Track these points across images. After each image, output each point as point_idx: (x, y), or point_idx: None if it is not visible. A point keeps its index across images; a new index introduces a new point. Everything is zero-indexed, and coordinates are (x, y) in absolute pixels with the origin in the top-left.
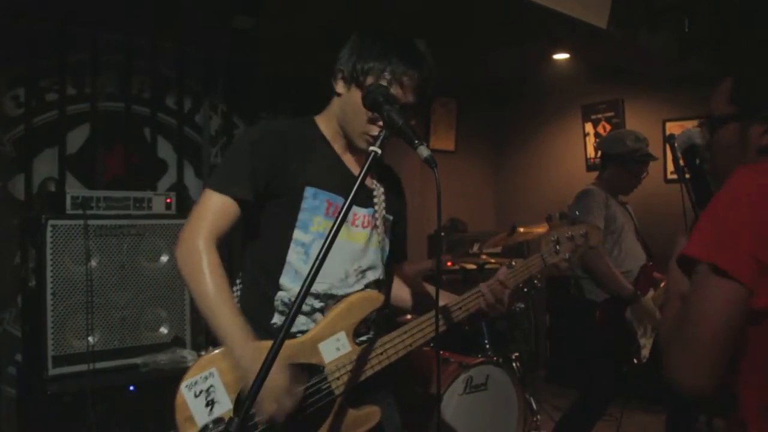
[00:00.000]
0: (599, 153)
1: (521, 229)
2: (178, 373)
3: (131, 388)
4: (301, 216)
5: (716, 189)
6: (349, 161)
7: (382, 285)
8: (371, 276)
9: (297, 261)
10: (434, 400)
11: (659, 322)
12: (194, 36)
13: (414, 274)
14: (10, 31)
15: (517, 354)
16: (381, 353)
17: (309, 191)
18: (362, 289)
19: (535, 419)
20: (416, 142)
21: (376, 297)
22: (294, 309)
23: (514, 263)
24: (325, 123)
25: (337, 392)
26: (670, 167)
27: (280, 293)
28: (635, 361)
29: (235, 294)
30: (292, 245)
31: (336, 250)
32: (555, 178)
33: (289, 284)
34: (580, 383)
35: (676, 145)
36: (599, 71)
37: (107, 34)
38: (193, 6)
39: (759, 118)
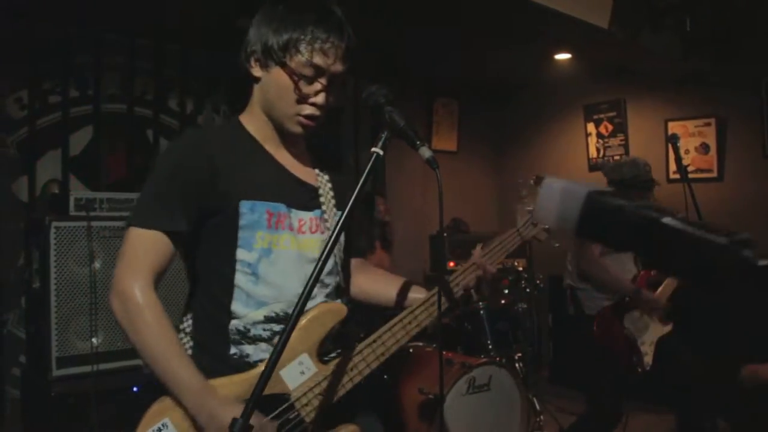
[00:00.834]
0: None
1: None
2: None
3: (135, 389)
4: (242, 234)
5: None
6: (285, 159)
7: (343, 292)
8: (331, 283)
9: (246, 283)
10: (437, 401)
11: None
12: (196, 37)
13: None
14: (13, 33)
15: (520, 354)
16: (351, 369)
17: (245, 206)
18: (322, 302)
19: (538, 420)
20: (418, 143)
21: (338, 308)
22: (279, 345)
23: (517, 264)
24: (251, 120)
25: (308, 419)
26: (673, 167)
27: (233, 321)
28: (639, 370)
29: (186, 323)
30: (237, 266)
31: (286, 263)
32: (557, 177)
33: (242, 310)
34: (586, 398)
35: (678, 145)
36: (601, 71)
37: (110, 35)
38: (194, 7)
39: None
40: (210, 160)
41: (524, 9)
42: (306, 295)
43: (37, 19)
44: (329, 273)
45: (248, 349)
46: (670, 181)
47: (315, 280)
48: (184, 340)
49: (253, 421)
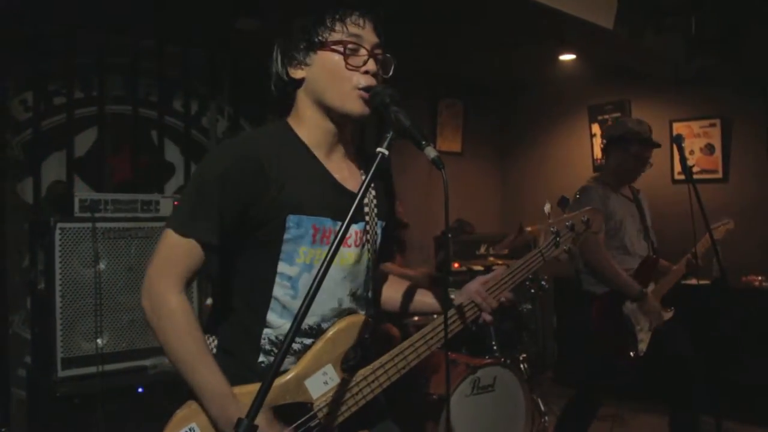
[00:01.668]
0: (603, 145)
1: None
2: None
3: (140, 389)
4: (285, 248)
5: None
6: (335, 166)
7: (371, 302)
8: (362, 295)
9: (284, 296)
10: (442, 402)
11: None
12: (200, 38)
13: (401, 274)
14: (18, 35)
15: (524, 355)
16: (373, 381)
17: (291, 220)
18: (350, 314)
19: (542, 420)
20: (423, 143)
21: (365, 321)
22: (275, 365)
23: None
24: (300, 124)
25: (329, 428)
26: (678, 168)
27: (266, 331)
28: (632, 354)
29: (215, 327)
30: (277, 279)
31: (329, 279)
32: (562, 178)
33: (277, 320)
34: (577, 376)
35: (682, 146)
36: (606, 72)
37: (113, 37)
38: (197, 8)
39: None
40: (261, 172)
41: (529, 10)
42: (310, 300)
43: (41, 21)
44: (361, 282)
45: None
46: (675, 182)
47: (318, 285)
48: (210, 343)
49: (260, 418)
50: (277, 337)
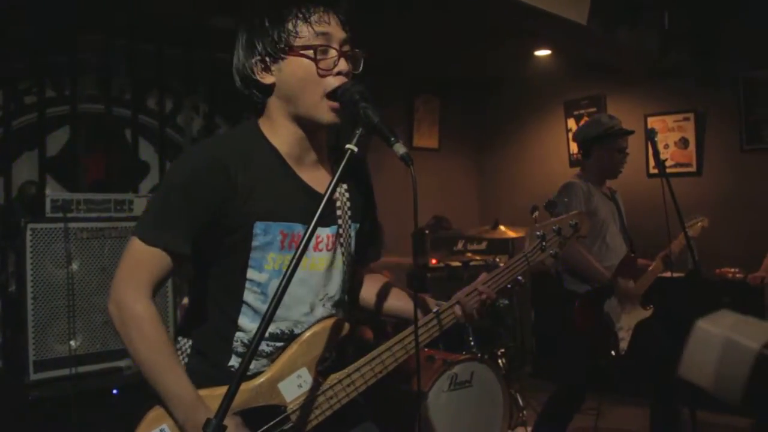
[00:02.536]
0: (578, 145)
1: (502, 227)
2: None
3: (115, 391)
4: (253, 255)
5: None
6: (306, 171)
7: (346, 306)
8: (337, 300)
9: (254, 301)
10: (418, 398)
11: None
12: (174, 36)
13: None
14: None
15: (502, 350)
16: (348, 384)
17: (259, 227)
18: (326, 317)
19: (521, 414)
20: (392, 139)
21: (342, 325)
22: (241, 369)
23: (499, 260)
24: (271, 128)
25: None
26: (653, 162)
27: (238, 334)
28: (613, 353)
29: (187, 328)
30: (247, 285)
31: (299, 284)
32: (538, 174)
33: (249, 324)
34: (558, 375)
35: (655, 140)
36: (581, 67)
37: (86, 35)
38: (172, 5)
39: None
40: (228, 179)
41: (504, 6)
42: (275, 306)
43: (12, 19)
44: (336, 291)
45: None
46: (649, 175)
47: (283, 291)
48: (184, 344)
49: (228, 422)
50: (249, 340)
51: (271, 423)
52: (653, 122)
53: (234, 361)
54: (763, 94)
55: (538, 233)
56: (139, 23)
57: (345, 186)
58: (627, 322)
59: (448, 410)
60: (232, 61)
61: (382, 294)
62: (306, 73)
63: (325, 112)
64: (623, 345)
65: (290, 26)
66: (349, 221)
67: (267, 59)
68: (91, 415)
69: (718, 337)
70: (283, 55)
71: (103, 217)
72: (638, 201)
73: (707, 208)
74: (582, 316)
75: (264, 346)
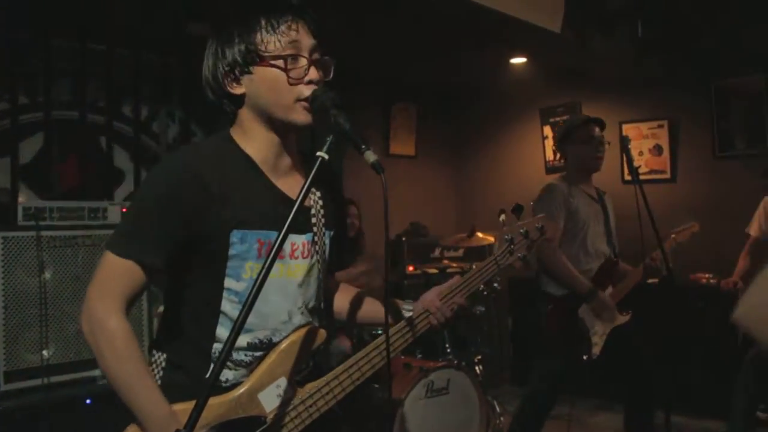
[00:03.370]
0: (557, 150)
1: (479, 234)
2: None
3: (88, 401)
4: (231, 264)
5: None
6: (280, 178)
7: (322, 314)
8: (314, 307)
9: (232, 311)
10: (394, 405)
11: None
12: (149, 43)
13: (346, 279)
14: None
15: (479, 357)
16: (327, 392)
17: (236, 235)
18: (303, 325)
19: (498, 421)
20: (363, 147)
21: (319, 334)
22: (211, 380)
23: (474, 266)
24: (244, 137)
25: None
26: (627, 169)
27: (215, 345)
28: (584, 357)
29: (162, 340)
30: (224, 295)
31: (273, 291)
32: (515, 181)
33: (227, 334)
34: (531, 376)
35: (629, 147)
36: (556, 75)
37: (60, 41)
38: (146, 12)
39: None
40: (203, 189)
41: (479, 14)
42: (245, 314)
43: None
44: (311, 294)
45: (228, 374)
46: (624, 182)
47: (254, 298)
48: (158, 358)
49: None
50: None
51: None
52: (628, 129)
53: None
54: (735, 102)
55: (506, 237)
56: (114, 29)
57: (318, 194)
58: (601, 327)
59: (424, 418)
60: (203, 75)
61: (356, 301)
62: (277, 83)
63: (299, 114)
64: (596, 350)
65: (258, 37)
66: (324, 228)
67: (236, 70)
68: (63, 425)
69: None
70: (252, 66)
71: (77, 225)
72: (614, 208)
73: (681, 215)
74: (555, 320)
75: (243, 356)
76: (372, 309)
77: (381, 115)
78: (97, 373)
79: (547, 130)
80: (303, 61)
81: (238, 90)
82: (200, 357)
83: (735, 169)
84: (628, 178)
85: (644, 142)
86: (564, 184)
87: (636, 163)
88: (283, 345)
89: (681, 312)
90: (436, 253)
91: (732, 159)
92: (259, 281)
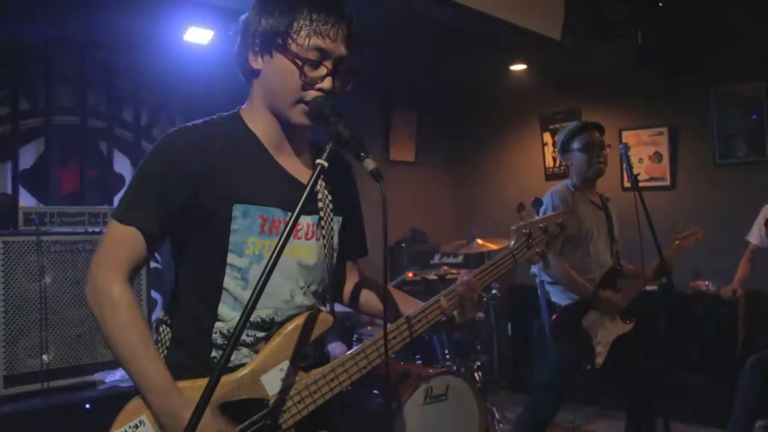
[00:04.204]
0: (559, 159)
1: (479, 240)
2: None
3: (87, 406)
4: (233, 238)
5: None
6: (286, 159)
7: (328, 300)
8: (318, 291)
9: (235, 288)
10: (393, 411)
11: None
12: (150, 49)
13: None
14: None
15: (478, 363)
16: (332, 379)
17: (238, 209)
18: (309, 308)
19: (496, 429)
20: (362, 155)
21: (325, 318)
22: (222, 362)
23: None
24: (252, 115)
25: (284, 426)
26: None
27: (217, 324)
28: (588, 367)
29: (168, 316)
30: (227, 270)
31: (279, 270)
32: (514, 187)
33: (229, 313)
34: (532, 386)
35: (628, 154)
36: (556, 82)
37: (61, 47)
38: (148, 19)
39: None
40: (207, 161)
41: (479, 21)
42: (259, 291)
43: None
44: (318, 282)
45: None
46: (624, 189)
47: (267, 275)
48: (164, 333)
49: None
50: (228, 331)
51: (254, 417)
52: (627, 136)
53: (215, 353)
54: (735, 109)
55: (525, 231)
56: (115, 35)
57: (328, 186)
58: (605, 337)
59: (423, 424)
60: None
61: (370, 292)
62: (289, 78)
63: (296, 114)
64: (599, 360)
65: (295, 26)
66: (331, 213)
67: (261, 47)
68: (63, 430)
69: None
70: (275, 51)
71: (77, 231)
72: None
73: (681, 222)
74: (559, 329)
75: (244, 336)
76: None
77: (381, 120)
78: (95, 378)
79: (547, 137)
80: (323, 70)
81: (255, 65)
82: (202, 337)
83: (735, 177)
84: (627, 185)
85: (644, 150)
86: (567, 191)
87: (635, 171)
88: (288, 328)
89: (680, 319)
90: (436, 259)
91: (732, 166)
92: (271, 262)
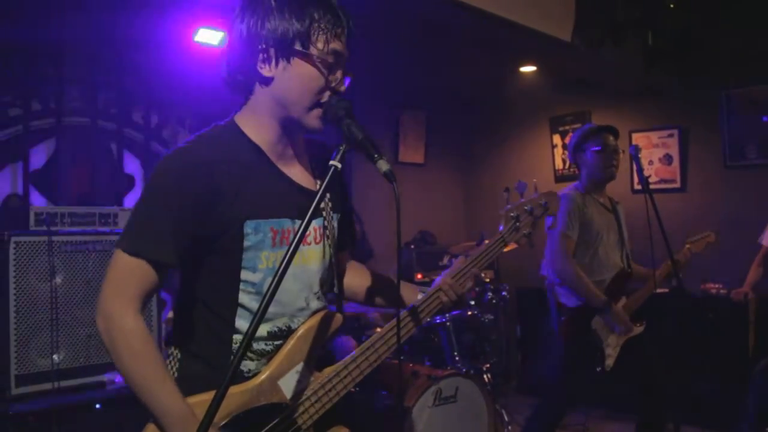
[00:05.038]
0: (570, 161)
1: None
2: None
3: (98, 406)
4: (246, 255)
5: None
6: (288, 166)
7: (337, 298)
8: (327, 290)
9: (250, 302)
10: (403, 412)
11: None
12: (160, 50)
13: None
14: None
15: (488, 365)
16: (345, 376)
17: (249, 226)
18: (319, 309)
19: (506, 430)
20: (376, 156)
21: (335, 318)
22: (229, 376)
23: (484, 275)
24: (252, 123)
25: (304, 427)
26: (637, 178)
27: (236, 336)
28: (598, 369)
29: (178, 333)
30: (241, 287)
31: (292, 279)
32: None
33: (245, 325)
34: (541, 389)
35: (639, 156)
36: (566, 83)
37: (72, 48)
38: (158, 20)
39: None
40: (211, 182)
41: (489, 22)
42: (266, 306)
43: None
44: (325, 278)
45: (251, 364)
46: (634, 191)
47: (275, 287)
48: (174, 353)
49: None
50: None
51: (275, 421)
52: (638, 138)
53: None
54: (745, 111)
55: (512, 214)
56: (125, 36)
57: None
58: (615, 339)
59: (432, 426)
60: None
61: (367, 282)
62: (313, 83)
63: (313, 119)
64: (609, 362)
65: (313, 29)
66: (332, 212)
67: (277, 53)
68: (73, 429)
69: None
70: (294, 57)
71: (87, 231)
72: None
73: (692, 224)
74: (568, 331)
75: (264, 346)
76: (385, 288)
77: (390, 122)
78: (106, 378)
79: (557, 139)
80: (340, 72)
81: (266, 72)
82: (221, 348)
83: (746, 179)
84: (638, 187)
85: (654, 152)
86: (578, 194)
87: (646, 173)
88: (301, 331)
89: (692, 322)
90: (445, 261)
91: (743, 168)
92: (278, 275)
